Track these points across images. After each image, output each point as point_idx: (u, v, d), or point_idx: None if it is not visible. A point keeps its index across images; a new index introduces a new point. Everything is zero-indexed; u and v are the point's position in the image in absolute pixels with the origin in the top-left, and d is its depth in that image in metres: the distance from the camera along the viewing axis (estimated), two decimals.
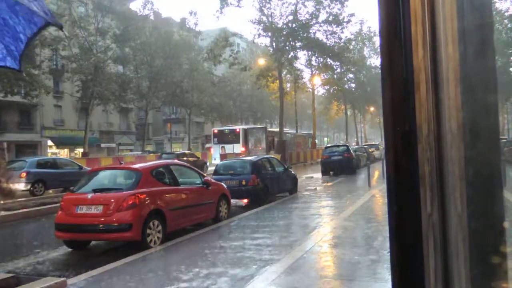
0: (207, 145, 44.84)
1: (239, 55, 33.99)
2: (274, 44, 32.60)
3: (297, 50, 33.86)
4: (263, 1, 31.98)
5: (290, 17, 31.90)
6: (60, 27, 2.31)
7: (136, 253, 7.10)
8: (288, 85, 42.86)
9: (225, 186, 10.75)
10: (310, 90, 45.71)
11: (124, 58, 39.69)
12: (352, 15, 34.00)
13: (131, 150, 50.70)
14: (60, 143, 41.57)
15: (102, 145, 46.17)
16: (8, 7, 2.15)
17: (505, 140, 26.67)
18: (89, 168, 16.64)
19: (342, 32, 34.20)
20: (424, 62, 0.87)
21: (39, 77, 28.66)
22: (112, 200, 7.53)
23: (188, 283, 5.51)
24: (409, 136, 0.89)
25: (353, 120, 63.35)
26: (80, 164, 20.54)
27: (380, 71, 0.95)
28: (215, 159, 30.79)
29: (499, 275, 0.85)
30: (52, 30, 31.07)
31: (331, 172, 23.16)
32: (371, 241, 7.33)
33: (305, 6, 32.19)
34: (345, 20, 33.28)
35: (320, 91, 54.48)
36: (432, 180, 0.87)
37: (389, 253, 0.95)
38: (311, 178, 22.18)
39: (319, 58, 35.84)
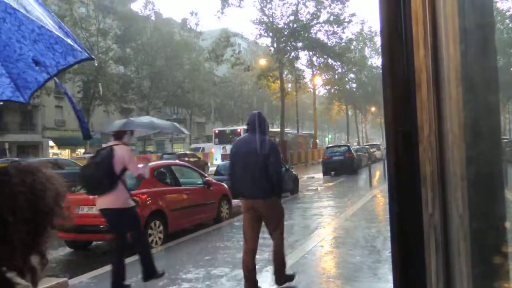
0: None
1: (240, 56, 33.95)
2: (275, 44, 32.58)
3: (298, 50, 33.83)
4: (264, 1, 31.97)
5: (291, 17, 31.88)
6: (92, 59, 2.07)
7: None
8: (289, 85, 42.86)
9: (226, 186, 10.75)
10: (311, 90, 45.71)
11: (125, 59, 39.75)
12: (353, 15, 33.93)
13: (132, 151, 50.70)
14: (61, 143, 41.63)
15: (104, 145, 46.19)
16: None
17: (506, 140, 26.64)
18: None
19: (343, 32, 34.15)
20: (425, 62, 0.87)
21: None
22: None
23: (189, 283, 5.51)
24: (411, 136, 0.89)
25: (354, 120, 63.33)
26: (81, 164, 20.57)
27: (381, 71, 0.95)
28: (216, 160, 30.81)
29: (501, 275, 0.85)
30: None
31: (332, 172, 23.14)
32: (372, 242, 7.33)
33: (306, 6, 32.17)
34: (346, 20, 33.24)
35: (321, 91, 54.50)
36: (434, 180, 0.86)
37: (390, 254, 0.95)
38: (312, 178, 22.18)
39: (320, 58, 35.82)
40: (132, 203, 5.19)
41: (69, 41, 1.92)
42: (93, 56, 1.95)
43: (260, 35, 32.70)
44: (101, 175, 4.91)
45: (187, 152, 33.65)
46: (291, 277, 5.10)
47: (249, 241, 4.80)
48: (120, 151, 5.02)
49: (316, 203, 12.74)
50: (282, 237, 4.98)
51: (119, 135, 5.27)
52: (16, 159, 24.74)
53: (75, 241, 8.08)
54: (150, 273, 5.19)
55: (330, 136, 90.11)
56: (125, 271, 5.04)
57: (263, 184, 4.63)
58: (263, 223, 4.89)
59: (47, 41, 1.89)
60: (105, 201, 5.01)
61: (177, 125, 7.33)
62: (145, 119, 6.74)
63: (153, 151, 50.24)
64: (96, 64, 33.13)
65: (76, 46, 1.95)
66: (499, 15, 35.07)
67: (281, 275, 4.99)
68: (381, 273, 5.48)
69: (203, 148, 40.25)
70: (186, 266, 6.30)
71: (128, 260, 6.67)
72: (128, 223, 5.14)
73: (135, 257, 6.83)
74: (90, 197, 7.75)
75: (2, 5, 1.83)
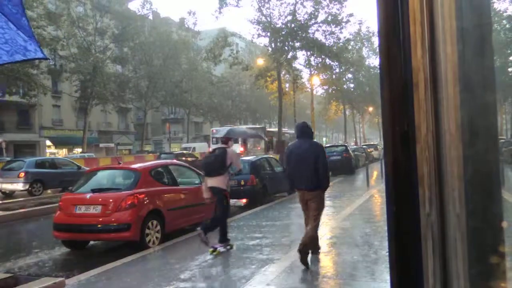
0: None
1: (238, 55, 33.89)
2: (273, 44, 32.56)
3: (296, 50, 33.81)
4: (262, 1, 31.95)
5: (289, 17, 31.86)
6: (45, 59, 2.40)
7: (134, 253, 7.10)
8: (287, 85, 42.87)
9: None
10: (309, 90, 45.71)
11: (123, 58, 39.68)
12: (351, 15, 33.92)
13: (130, 150, 50.65)
14: (58, 143, 41.52)
15: (101, 145, 46.15)
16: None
17: (503, 141, 26.74)
18: (87, 168, 16.63)
19: (341, 33, 34.12)
20: (422, 62, 0.87)
21: (37, 77, 28.62)
22: (111, 200, 7.52)
23: (187, 283, 5.51)
24: (408, 136, 0.89)
25: (352, 120, 63.32)
26: (78, 164, 20.53)
27: (379, 71, 0.95)
28: None
29: (498, 275, 0.85)
30: (51, 29, 31.05)
31: (330, 172, 23.13)
32: (370, 241, 7.34)
33: (304, 6, 32.16)
34: (344, 20, 33.25)
35: (319, 91, 54.51)
36: (431, 180, 0.87)
37: (387, 253, 0.95)
38: None
39: (318, 58, 35.80)
40: (228, 189, 7.42)
41: (21, 42, 2.21)
42: (48, 57, 2.30)
43: (258, 35, 32.68)
44: (217, 165, 7.20)
45: (184, 151, 33.62)
46: (318, 249, 6.53)
47: (307, 219, 6.26)
48: (231, 152, 7.41)
49: None
50: (317, 223, 6.19)
51: (226, 141, 7.72)
52: (8, 158, 24.66)
53: (72, 240, 8.06)
54: (208, 229, 7.10)
55: (327, 136, 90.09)
56: (227, 228, 7.39)
57: (311, 178, 5.94)
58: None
59: None
60: (213, 182, 7.26)
61: (259, 132, 10.53)
62: (241, 129, 10.12)
63: (150, 150, 50.17)
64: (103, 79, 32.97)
65: (30, 47, 2.24)
66: (496, 15, 35.18)
67: (316, 250, 6.43)
68: (378, 272, 5.49)
69: (194, 148, 40.12)
70: (183, 266, 6.29)
71: (126, 260, 6.67)
72: (220, 199, 7.31)
73: (134, 257, 6.84)
74: (87, 196, 7.76)
75: None
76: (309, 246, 5.97)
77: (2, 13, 2.20)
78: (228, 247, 7.15)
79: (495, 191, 0.88)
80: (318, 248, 6.52)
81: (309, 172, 5.92)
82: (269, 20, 32.06)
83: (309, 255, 5.91)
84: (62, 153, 42.00)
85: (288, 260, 6.25)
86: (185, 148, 39.97)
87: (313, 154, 5.93)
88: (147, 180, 8.17)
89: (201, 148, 40.59)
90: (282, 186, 14.44)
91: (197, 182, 9.67)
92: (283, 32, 31.79)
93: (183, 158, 26.70)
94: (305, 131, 6.23)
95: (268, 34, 32.29)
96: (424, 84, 0.87)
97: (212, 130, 35.47)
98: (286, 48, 32.56)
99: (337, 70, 43.96)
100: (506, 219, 0.89)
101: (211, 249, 6.98)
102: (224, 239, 7.18)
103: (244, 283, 5.27)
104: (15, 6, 2.16)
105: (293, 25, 31.66)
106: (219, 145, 7.82)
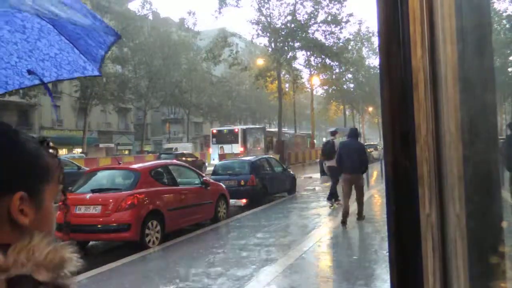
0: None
1: (238, 56, 33.87)
2: (272, 44, 32.57)
3: (296, 50, 33.83)
4: (262, 1, 31.97)
5: (289, 17, 31.88)
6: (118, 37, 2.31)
7: (134, 253, 7.10)
8: (287, 85, 42.87)
9: (223, 186, 10.74)
10: (309, 90, 45.72)
11: (123, 58, 39.65)
12: (350, 15, 33.96)
13: (129, 151, 50.67)
14: (58, 143, 41.48)
15: (101, 145, 46.13)
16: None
17: (503, 141, 26.72)
18: (87, 168, 16.62)
19: (341, 32, 34.15)
20: (422, 62, 0.87)
21: None
22: (111, 200, 7.52)
23: (186, 283, 5.51)
24: (408, 136, 0.89)
25: (351, 120, 63.38)
26: (78, 164, 20.52)
27: (378, 71, 0.95)
28: (213, 160, 30.79)
29: (498, 275, 0.85)
30: None
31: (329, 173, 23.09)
32: (369, 241, 7.34)
33: (303, 6, 32.19)
34: (344, 20, 33.27)
35: (319, 91, 54.53)
36: (431, 180, 0.86)
37: (387, 253, 0.95)
38: (309, 178, 22.18)
39: (318, 58, 35.81)
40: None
41: (82, 63, 2.27)
42: (101, 74, 2.36)
43: (258, 35, 32.70)
44: (330, 151, 11.28)
45: (185, 152, 33.59)
46: (364, 217, 9.12)
47: (347, 197, 8.80)
48: (336, 143, 11.22)
49: (313, 203, 12.74)
50: (363, 197, 9.08)
51: (334, 133, 12.27)
52: None
53: (72, 241, 8.05)
54: (331, 197, 11.48)
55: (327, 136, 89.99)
56: (337, 190, 11.19)
57: (356, 166, 8.73)
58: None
59: (57, 62, 2.30)
60: (330, 163, 11.05)
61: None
62: (345, 127, 12.78)
63: (150, 150, 50.17)
64: (104, 80, 33.10)
65: (89, 67, 2.29)
66: (496, 15, 35.22)
67: (360, 216, 9.05)
68: (378, 272, 5.49)
69: (176, 148, 40.03)
70: (183, 266, 6.30)
71: (126, 260, 6.67)
72: (334, 173, 10.85)
73: (134, 257, 6.85)
74: (87, 197, 7.77)
75: (28, 29, 2.13)
76: (359, 213, 8.96)
77: (70, 42, 2.29)
78: (340, 204, 10.47)
79: (495, 191, 0.88)
80: (364, 216, 9.12)
81: (356, 162, 8.65)
82: (268, 20, 32.08)
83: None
84: (62, 153, 41.97)
85: (288, 260, 6.25)
86: (167, 149, 40.14)
87: (360, 151, 8.94)
88: (147, 180, 8.17)
89: (185, 148, 40.70)
90: (282, 186, 14.45)
91: (197, 182, 9.67)
92: (283, 32, 31.81)
93: (183, 158, 26.67)
94: (355, 134, 9.16)
95: (268, 34, 32.31)
96: (424, 84, 0.87)
97: (212, 130, 35.45)
98: (286, 48, 32.58)
99: (337, 70, 44.00)
100: (506, 219, 0.89)
101: (329, 205, 11.35)
102: (337, 198, 11.32)
103: (244, 283, 5.27)
104: (99, 43, 2.19)
105: (293, 25, 31.68)
106: (329, 138, 12.35)
